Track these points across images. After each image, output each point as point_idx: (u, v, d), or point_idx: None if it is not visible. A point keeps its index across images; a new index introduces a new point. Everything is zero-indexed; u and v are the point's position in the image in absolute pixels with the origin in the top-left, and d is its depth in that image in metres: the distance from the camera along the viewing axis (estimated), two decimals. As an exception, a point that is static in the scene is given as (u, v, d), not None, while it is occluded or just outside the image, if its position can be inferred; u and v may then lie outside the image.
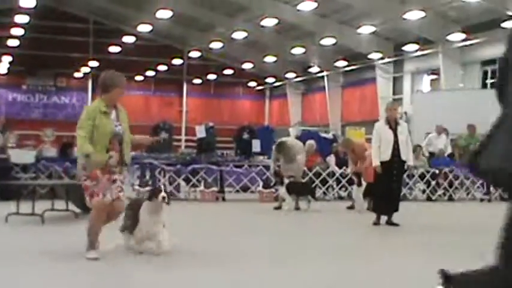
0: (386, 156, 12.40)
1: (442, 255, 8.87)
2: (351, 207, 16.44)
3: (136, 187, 18.50)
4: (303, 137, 23.17)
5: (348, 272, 7.60)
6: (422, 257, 8.76)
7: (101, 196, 7.68)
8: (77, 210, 12.96)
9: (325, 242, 10.17)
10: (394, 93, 45.15)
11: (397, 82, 45.65)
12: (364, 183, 15.98)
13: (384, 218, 12.66)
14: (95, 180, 7.63)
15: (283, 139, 17.35)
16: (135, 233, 8.20)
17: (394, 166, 12.45)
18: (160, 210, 8.18)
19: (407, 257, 8.90)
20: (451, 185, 20.42)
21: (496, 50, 35.96)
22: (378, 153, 12.51)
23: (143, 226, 8.10)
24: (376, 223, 12.59)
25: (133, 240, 8.32)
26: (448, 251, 9.41)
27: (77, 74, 54.97)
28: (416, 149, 19.84)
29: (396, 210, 12.59)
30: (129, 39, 50.00)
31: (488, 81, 38.65)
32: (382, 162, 12.43)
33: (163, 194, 8.04)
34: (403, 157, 12.49)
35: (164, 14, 40.32)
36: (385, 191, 12.54)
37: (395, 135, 12.43)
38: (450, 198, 20.32)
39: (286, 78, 54.85)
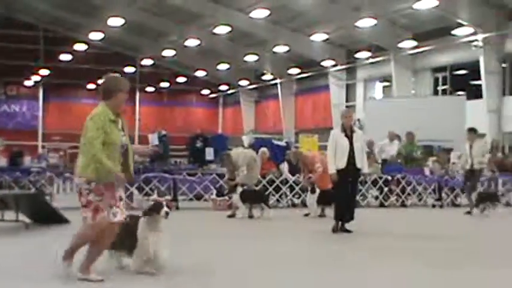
0: (342, 163, 12.37)
1: (396, 261, 8.87)
2: (308, 215, 16.39)
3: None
4: (256, 145, 23.12)
5: (305, 279, 7.52)
6: (378, 262, 8.74)
7: (105, 213, 7.00)
8: (28, 220, 12.65)
9: (284, 250, 10.08)
10: (347, 101, 45.45)
11: (350, 89, 45.96)
12: (317, 190, 15.99)
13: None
14: (100, 196, 6.96)
15: (228, 152, 17.29)
16: (135, 252, 7.43)
17: (349, 173, 12.42)
18: (161, 227, 7.47)
19: (361, 263, 8.86)
20: (403, 191, 20.52)
21: (447, 57, 36.51)
22: (334, 161, 12.47)
23: (144, 245, 7.35)
24: (335, 230, 12.54)
25: (132, 260, 7.53)
26: (400, 256, 9.42)
27: (27, 83, 54.19)
28: (369, 155, 19.91)
29: (351, 218, 12.55)
30: (80, 47, 49.39)
31: (440, 87, 39.14)
32: (338, 170, 12.40)
33: (166, 209, 7.36)
34: (358, 164, 12.48)
35: (116, 21, 39.90)
36: (342, 198, 12.52)
37: (351, 143, 12.41)
38: (403, 204, 20.41)
39: (240, 86, 54.82)
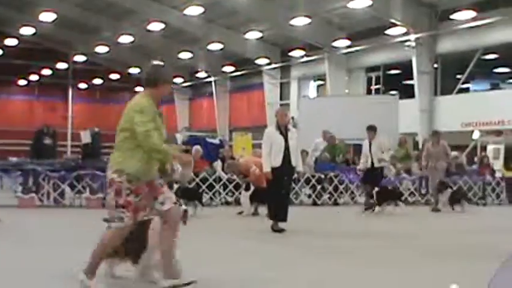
0: (277, 162, 12.26)
1: (326, 259, 8.82)
2: (242, 213, 16.26)
3: (19, 194, 17.72)
4: (190, 142, 22.90)
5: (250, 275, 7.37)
6: (308, 260, 8.66)
7: (147, 210, 6.50)
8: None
9: (212, 248, 9.92)
10: (281, 99, 45.52)
11: (284, 88, 46.05)
12: (252, 188, 15.89)
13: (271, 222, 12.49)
14: (140, 195, 6.41)
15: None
16: (143, 259, 6.78)
17: (284, 172, 12.31)
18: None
19: (292, 261, 8.77)
20: (336, 189, 20.59)
21: (380, 57, 36.87)
22: (269, 160, 12.34)
23: (154, 252, 6.71)
24: (274, 229, 12.40)
25: (137, 268, 6.90)
26: (331, 254, 9.38)
27: (-43, 78, 52.71)
28: (303, 154, 19.90)
29: (285, 217, 12.41)
30: (11, 42, 48.09)
31: (373, 87, 39.54)
32: (273, 168, 12.27)
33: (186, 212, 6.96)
34: (293, 163, 12.39)
35: (48, 16, 39.09)
36: (276, 197, 12.39)
37: (286, 141, 12.30)
38: (335, 203, 20.47)
39: (174, 83, 54.35)
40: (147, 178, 6.45)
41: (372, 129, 17.55)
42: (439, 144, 18.93)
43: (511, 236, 12.28)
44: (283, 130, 12.41)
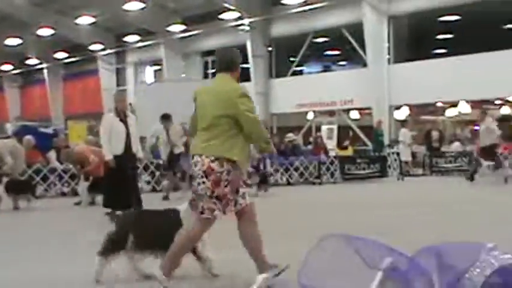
0: (119, 149, 11.86)
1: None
2: (79, 203, 15.75)
3: None
4: (21, 133, 21.92)
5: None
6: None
7: (232, 203, 5.98)
8: None
9: (49, 240, 9.48)
10: (117, 85, 44.77)
11: (120, 73, 45.34)
12: (91, 178, 15.44)
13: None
14: (234, 188, 5.91)
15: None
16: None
17: (127, 159, 11.96)
18: None
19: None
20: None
21: (215, 41, 36.99)
22: (110, 147, 11.92)
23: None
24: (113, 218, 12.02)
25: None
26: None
27: None
28: (142, 140, 19.59)
29: (140, 203, 12.10)
30: None
31: (209, 71, 39.68)
32: (115, 156, 11.87)
33: None
34: (134, 149, 12.08)
35: None
36: (120, 185, 11.99)
37: (127, 128, 11.94)
38: (175, 188, 20.31)
39: (2, 71, 52.07)
40: (245, 168, 6.09)
41: (165, 117, 17.21)
42: None
43: (342, 214, 12.65)
44: (122, 116, 12.02)
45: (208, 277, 6.46)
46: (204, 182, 5.89)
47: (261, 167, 21.65)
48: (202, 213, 6.00)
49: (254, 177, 18.08)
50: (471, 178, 19.65)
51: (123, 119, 11.93)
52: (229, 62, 6.20)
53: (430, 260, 3.11)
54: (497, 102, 32.08)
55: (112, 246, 6.29)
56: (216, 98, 6.00)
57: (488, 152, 19.43)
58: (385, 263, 3.01)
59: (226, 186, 5.88)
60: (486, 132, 19.40)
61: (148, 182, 20.47)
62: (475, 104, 31.71)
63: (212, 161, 5.85)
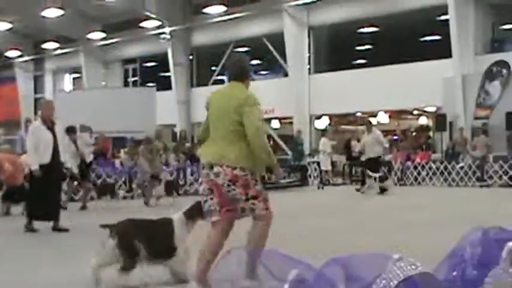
0: (46, 158, 11.48)
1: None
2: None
3: None
4: None
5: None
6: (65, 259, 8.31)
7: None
8: None
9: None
10: (35, 92, 43.96)
11: (38, 81, 44.49)
12: (4, 187, 15.03)
13: (44, 224, 11.76)
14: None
15: None
16: (174, 262, 6.42)
17: (54, 168, 11.60)
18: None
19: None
20: (94, 184, 20.13)
21: (136, 49, 36.74)
22: (36, 157, 11.54)
23: (185, 253, 6.43)
24: (29, 228, 11.67)
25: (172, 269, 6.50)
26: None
27: None
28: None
29: (57, 215, 11.75)
30: None
31: (130, 79, 39.35)
32: (41, 165, 11.51)
33: None
34: (62, 158, 11.78)
35: None
36: (45, 195, 11.63)
37: (54, 136, 11.61)
38: (91, 197, 20.01)
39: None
40: (259, 173, 6.11)
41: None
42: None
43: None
44: (49, 124, 11.69)
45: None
46: (234, 189, 5.95)
47: (181, 175, 21.64)
48: (243, 212, 6.05)
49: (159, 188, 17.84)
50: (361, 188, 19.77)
51: (50, 127, 11.61)
52: (241, 71, 6.29)
53: (337, 272, 3.16)
54: (415, 112, 32.82)
55: (131, 259, 6.26)
56: (229, 105, 6.03)
57: (372, 164, 19.55)
58: (292, 275, 3.03)
59: (255, 185, 6.01)
60: (372, 144, 19.47)
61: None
62: (393, 114, 32.40)
63: (234, 169, 5.92)
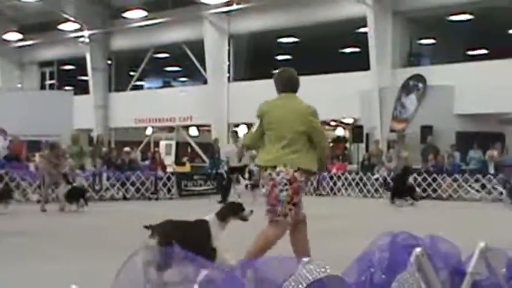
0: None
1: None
2: None
3: None
4: None
5: None
6: None
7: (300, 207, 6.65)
8: None
9: None
10: None
11: None
12: None
13: None
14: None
15: None
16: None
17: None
18: None
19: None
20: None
21: (54, 52, 36.05)
22: None
23: (222, 255, 6.46)
24: None
25: None
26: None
27: None
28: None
29: None
30: None
31: (47, 82, 38.58)
32: None
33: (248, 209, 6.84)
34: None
35: None
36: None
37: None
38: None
39: None
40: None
41: None
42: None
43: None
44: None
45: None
46: (286, 190, 6.32)
47: (97, 181, 21.27)
48: (278, 216, 6.38)
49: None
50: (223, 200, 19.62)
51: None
52: (296, 83, 6.77)
53: (247, 273, 3.11)
54: (332, 123, 33.25)
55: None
56: (293, 115, 6.49)
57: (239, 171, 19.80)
58: (201, 275, 2.97)
59: (300, 194, 6.45)
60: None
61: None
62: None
63: (295, 171, 6.34)
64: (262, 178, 6.77)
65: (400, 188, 19.38)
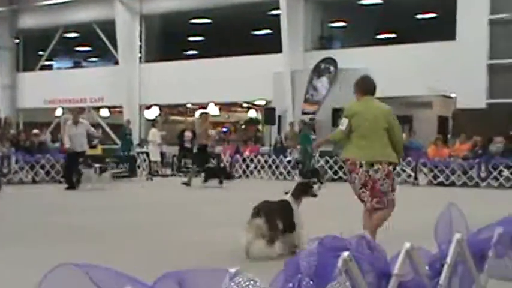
0: None
1: None
2: None
3: None
4: None
5: None
6: None
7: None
8: None
9: None
10: None
11: None
12: None
13: None
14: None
15: None
16: (295, 236, 7.67)
17: None
18: None
19: None
20: None
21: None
22: None
23: (302, 227, 7.69)
24: None
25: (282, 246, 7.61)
26: None
27: None
28: None
29: None
30: None
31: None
32: None
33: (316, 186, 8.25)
34: None
35: None
36: None
37: None
38: None
39: None
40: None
41: None
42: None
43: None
44: None
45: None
46: (386, 182, 7.56)
47: (5, 164, 20.70)
48: (388, 203, 7.61)
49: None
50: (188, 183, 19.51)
51: None
52: (375, 88, 7.91)
53: (172, 287, 3.05)
54: (245, 105, 33.35)
55: (276, 233, 7.51)
56: (380, 115, 7.67)
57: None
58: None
59: (394, 178, 7.79)
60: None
61: None
62: (223, 106, 32.74)
63: (388, 165, 7.61)
64: (352, 169, 7.66)
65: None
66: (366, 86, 7.88)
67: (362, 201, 7.62)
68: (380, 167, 7.50)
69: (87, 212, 12.64)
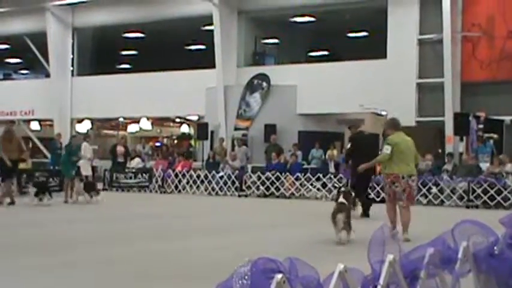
0: None
1: None
2: None
3: None
4: None
5: None
6: None
7: None
8: None
9: None
10: None
11: None
12: None
13: None
14: None
15: None
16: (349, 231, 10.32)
17: None
18: None
19: None
20: None
21: None
22: None
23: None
24: None
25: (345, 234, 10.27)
26: None
27: None
28: None
29: None
30: None
31: None
32: None
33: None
34: None
35: None
36: None
37: None
38: None
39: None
40: None
41: None
42: None
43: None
44: None
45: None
46: (415, 189, 11.90)
47: None
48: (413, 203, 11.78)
49: None
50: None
51: None
52: (400, 125, 11.80)
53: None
54: (177, 120, 33.24)
55: (350, 225, 10.26)
56: (410, 144, 11.40)
57: None
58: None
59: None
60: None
61: None
62: (156, 121, 32.57)
63: (414, 179, 11.50)
64: (396, 180, 11.00)
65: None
66: (397, 126, 11.65)
67: (390, 202, 11.18)
68: (414, 177, 11.40)
69: None
